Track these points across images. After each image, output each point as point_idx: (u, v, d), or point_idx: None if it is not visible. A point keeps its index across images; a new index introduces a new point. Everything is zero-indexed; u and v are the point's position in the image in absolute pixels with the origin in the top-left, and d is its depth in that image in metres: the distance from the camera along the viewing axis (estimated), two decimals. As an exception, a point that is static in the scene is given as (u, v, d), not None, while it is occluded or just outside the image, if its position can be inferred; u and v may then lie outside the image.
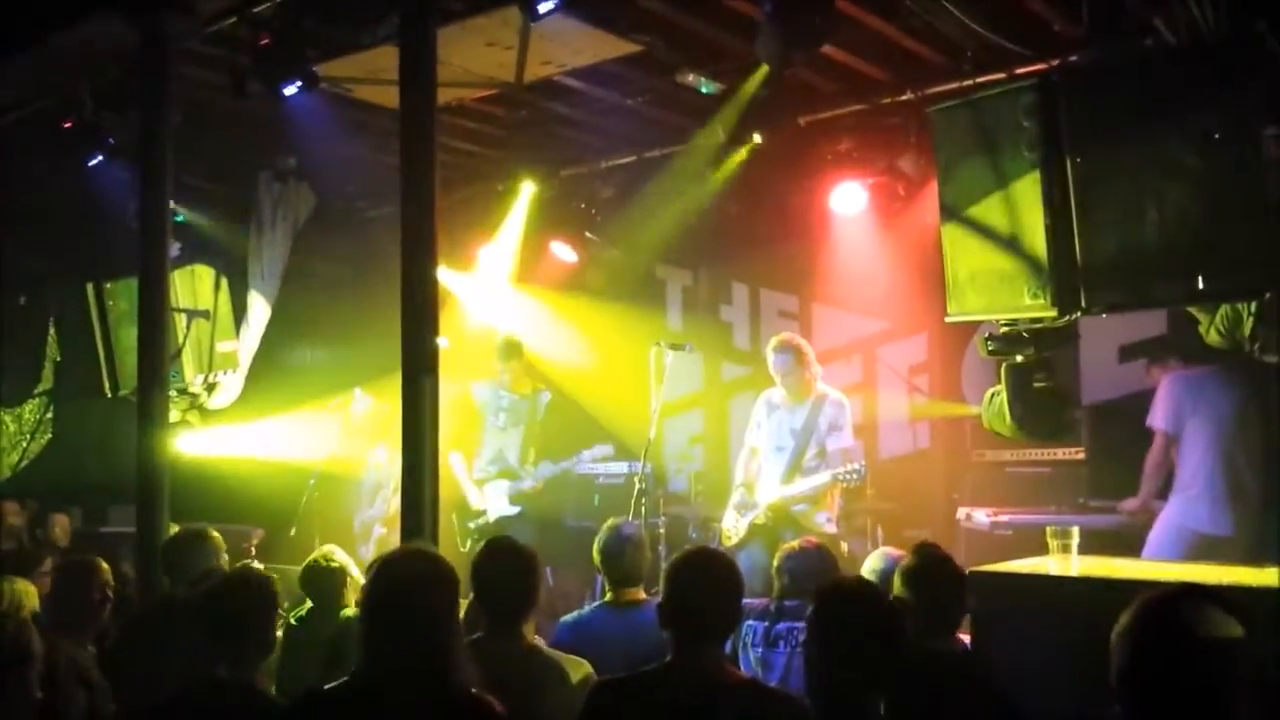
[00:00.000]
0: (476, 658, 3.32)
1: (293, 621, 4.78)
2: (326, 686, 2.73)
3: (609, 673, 3.29)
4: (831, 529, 6.14)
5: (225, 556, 4.61)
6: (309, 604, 4.79)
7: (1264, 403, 5.66)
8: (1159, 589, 2.13)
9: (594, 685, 3.13)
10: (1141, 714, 2.03)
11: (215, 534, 4.62)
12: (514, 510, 7.32)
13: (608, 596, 4.26)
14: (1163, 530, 5.75)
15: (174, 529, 4.97)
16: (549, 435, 7.63)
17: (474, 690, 2.64)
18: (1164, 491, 5.87)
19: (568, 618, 4.27)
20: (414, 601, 2.61)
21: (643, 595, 4.22)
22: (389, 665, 2.57)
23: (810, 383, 6.26)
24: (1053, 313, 3.77)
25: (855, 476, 6.03)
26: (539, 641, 3.56)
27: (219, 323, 8.06)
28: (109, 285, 7.52)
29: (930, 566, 3.50)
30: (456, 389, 6.96)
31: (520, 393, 7.52)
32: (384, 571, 2.70)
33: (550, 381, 8.04)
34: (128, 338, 7.00)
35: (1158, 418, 5.88)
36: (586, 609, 4.40)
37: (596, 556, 4.29)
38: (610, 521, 4.40)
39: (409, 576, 2.66)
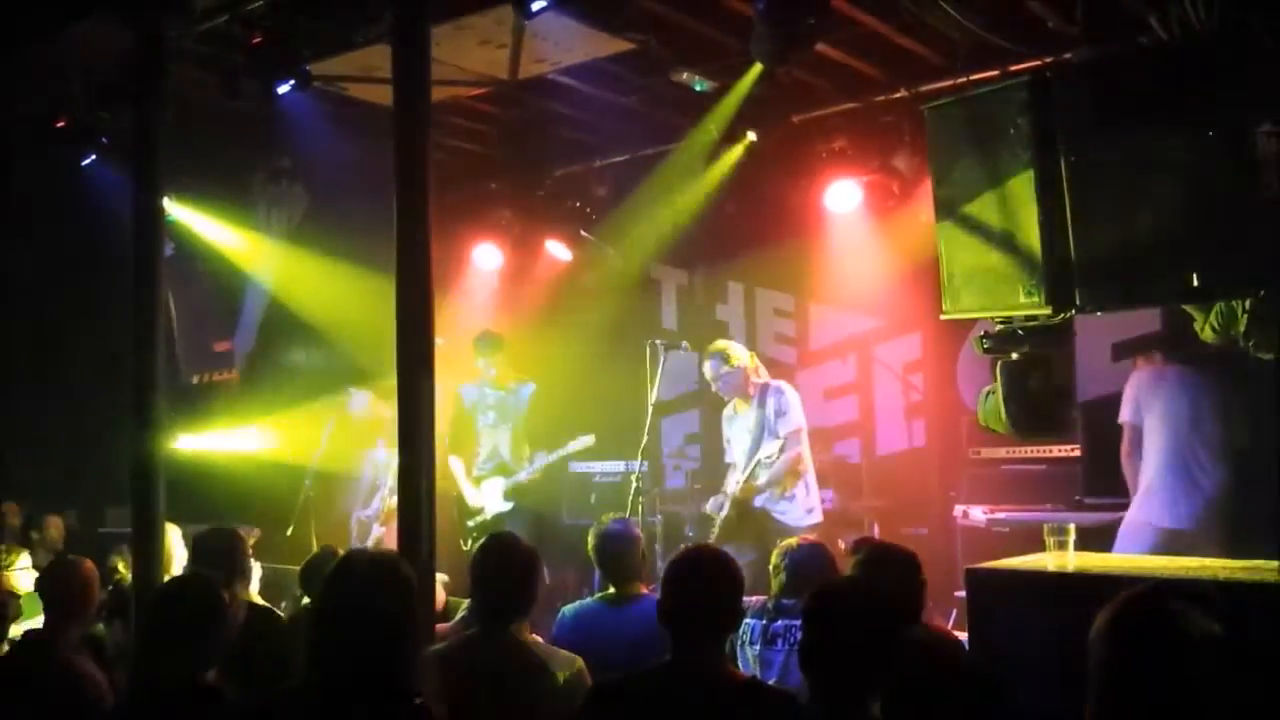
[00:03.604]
0: (469, 652, 3.34)
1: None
2: (277, 690, 2.72)
3: (607, 664, 3.29)
4: (811, 519, 6.19)
5: (250, 555, 4.61)
6: (305, 602, 4.79)
7: (1221, 399, 5.75)
8: (1136, 587, 2.14)
9: (592, 687, 3.13)
10: (1119, 712, 2.03)
11: (240, 532, 4.63)
12: (509, 506, 7.33)
13: (608, 590, 4.27)
14: (1127, 526, 5.81)
15: (171, 528, 4.96)
16: (540, 431, 7.63)
17: (418, 699, 2.61)
18: None
19: (568, 608, 4.29)
20: (362, 606, 2.58)
21: (642, 589, 4.23)
22: (330, 669, 2.55)
23: (748, 382, 6.37)
24: (1047, 310, 3.77)
25: (769, 452, 6.12)
26: (534, 638, 3.56)
27: (214, 322, 8.07)
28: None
29: (880, 557, 3.57)
30: (448, 390, 6.97)
31: (504, 387, 7.54)
32: (337, 575, 2.69)
33: (547, 381, 8.04)
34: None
35: (1124, 411, 6.00)
36: (586, 600, 4.41)
37: (592, 552, 4.30)
38: (603, 517, 4.42)
39: (360, 580, 2.64)
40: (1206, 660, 1.99)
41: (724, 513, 6.23)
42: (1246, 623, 2.02)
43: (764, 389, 6.34)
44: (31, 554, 6.84)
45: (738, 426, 6.47)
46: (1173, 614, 2.02)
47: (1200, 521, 5.64)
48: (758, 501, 6.22)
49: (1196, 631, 1.99)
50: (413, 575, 2.72)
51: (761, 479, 6.17)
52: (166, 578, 4.67)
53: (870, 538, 3.93)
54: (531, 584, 3.49)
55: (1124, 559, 4.71)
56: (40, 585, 4.25)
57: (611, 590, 4.24)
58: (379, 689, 2.54)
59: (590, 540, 4.32)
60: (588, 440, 7.31)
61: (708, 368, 6.41)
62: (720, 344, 6.50)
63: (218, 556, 4.31)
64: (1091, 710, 2.04)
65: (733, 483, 6.28)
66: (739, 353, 6.40)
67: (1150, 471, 5.82)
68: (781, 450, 6.16)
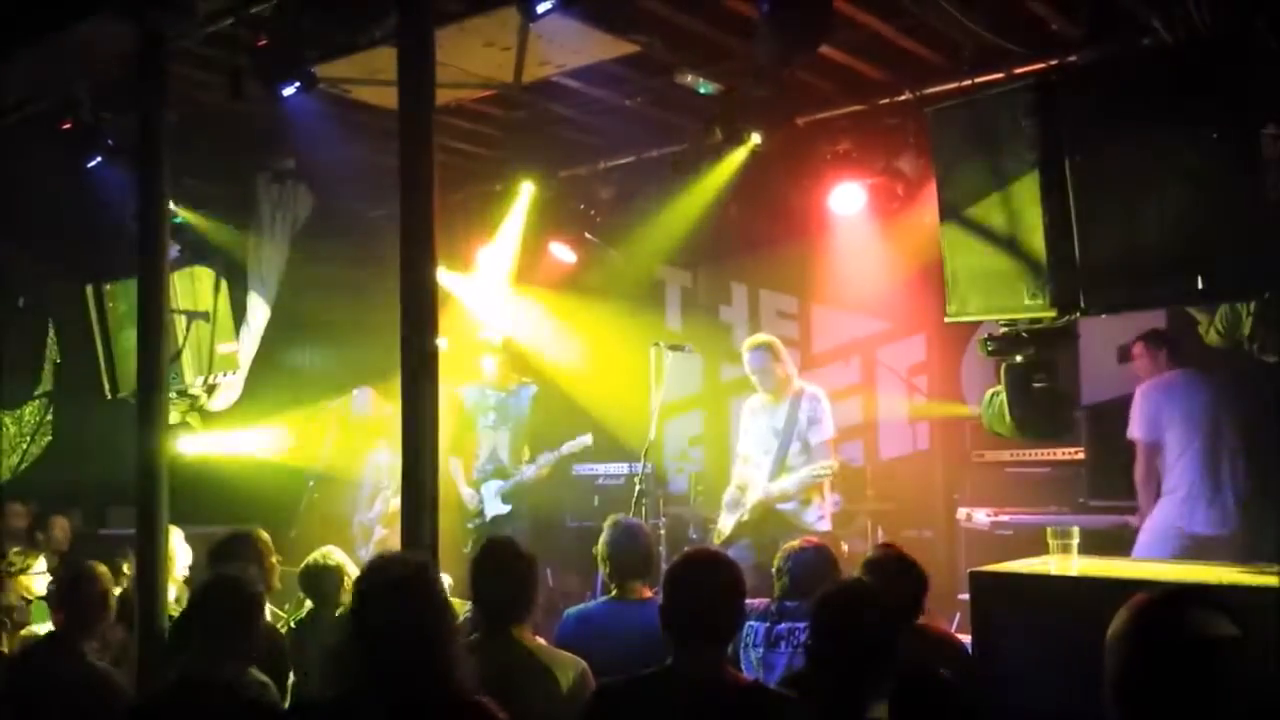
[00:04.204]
0: (473, 655, 3.33)
1: (292, 624, 4.78)
2: (322, 698, 2.73)
3: (612, 666, 3.29)
4: (824, 525, 6.17)
5: (274, 558, 4.61)
6: (308, 605, 4.79)
7: (1236, 403, 5.74)
8: (1151, 591, 2.13)
9: (594, 690, 3.12)
10: (1140, 715, 2.02)
11: (263, 535, 4.63)
12: (508, 509, 7.32)
13: (613, 592, 4.25)
14: (1152, 531, 5.79)
15: (174, 530, 4.96)
16: (544, 433, 7.62)
17: (475, 695, 2.62)
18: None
19: (572, 610, 4.27)
20: (398, 607, 2.59)
21: (648, 592, 4.21)
22: (382, 673, 2.55)
23: (788, 380, 6.34)
24: (1052, 313, 3.77)
25: (826, 472, 6.12)
26: (538, 640, 3.56)
27: (218, 325, 8.05)
28: (108, 287, 7.50)
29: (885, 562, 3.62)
30: (449, 392, 6.98)
31: (505, 389, 7.54)
32: (367, 579, 2.69)
33: (550, 383, 8.04)
34: (127, 339, 6.98)
35: (1135, 428, 5.97)
36: (592, 602, 4.39)
37: (602, 551, 4.28)
38: (614, 517, 4.40)
39: (391, 582, 2.64)
40: (1226, 665, 1.98)
41: (744, 516, 6.22)
42: (1248, 628, 2.02)
43: (800, 393, 6.31)
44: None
45: (762, 422, 6.40)
46: (1193, 618, 2.02)
47: (1229, 525, 5.65)
48: (779, 505, 6.21)
49: (1216, 636, 1.99)
50: (436, 573, 2.73)
51: (793, 487, 6.13)
52: (169, 579, 4.68)
53: (890, 543, 3.99)
54: (530, 587, 3.49)
55: (1127, 563, 4.70)
56: (57, 593, 4.23)
57: (615, 593, 4.23)
58: (431, 688, 2.55)
59: (602, 538, 4.30)
60: (585, 440, 7.31)
61: (752, 359, 6.34)
62: (765, 338, 6.46)
63: (242, 560, 4.31)
64: (1111, 714, 2.04)
65: (758, 486, 6.22)
66: (783, 349, 6.40)
67: (1174, 477, 5.80)
68: (807, 453, 6.15)
